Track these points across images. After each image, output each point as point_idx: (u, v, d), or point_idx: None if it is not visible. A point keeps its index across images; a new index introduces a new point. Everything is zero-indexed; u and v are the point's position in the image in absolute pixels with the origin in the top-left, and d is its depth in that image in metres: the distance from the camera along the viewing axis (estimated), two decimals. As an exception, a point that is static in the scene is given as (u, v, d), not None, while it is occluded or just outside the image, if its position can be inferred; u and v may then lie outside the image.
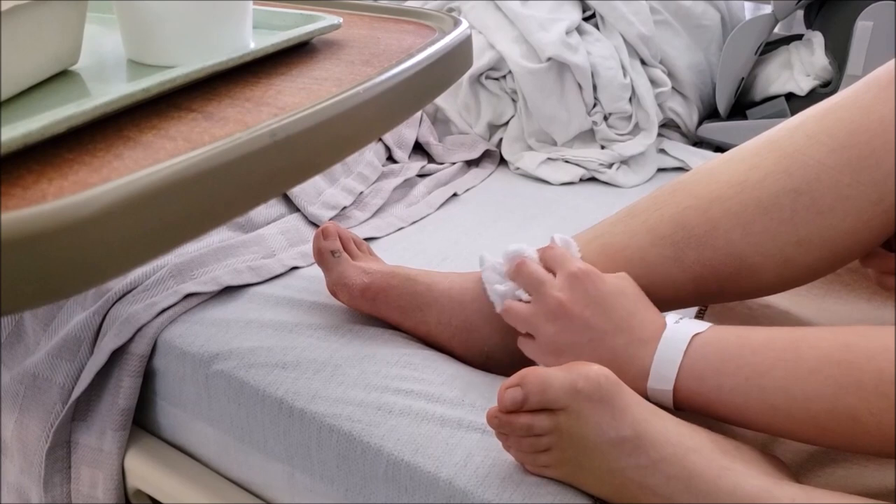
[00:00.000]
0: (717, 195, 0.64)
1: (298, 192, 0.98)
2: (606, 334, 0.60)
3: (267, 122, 0.43)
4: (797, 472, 0.59)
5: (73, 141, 0.42)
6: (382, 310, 0.74)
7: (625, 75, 1.20)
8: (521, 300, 0.65)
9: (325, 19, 0.63)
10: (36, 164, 0.39)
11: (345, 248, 0.77)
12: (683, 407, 0.59)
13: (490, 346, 0.71)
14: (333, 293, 0.77)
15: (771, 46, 1.32)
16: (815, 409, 0.53)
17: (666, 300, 0.68)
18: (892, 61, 0.62)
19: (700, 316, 0.75)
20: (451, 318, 0.72)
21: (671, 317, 0.61)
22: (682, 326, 0.59)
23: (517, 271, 0.65)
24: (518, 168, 1.20)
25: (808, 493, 0.51)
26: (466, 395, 0.66)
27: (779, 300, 0.75)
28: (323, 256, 0.76)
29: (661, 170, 1.22)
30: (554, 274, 0.64)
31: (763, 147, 0.65)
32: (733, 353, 0.57)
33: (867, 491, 0.57)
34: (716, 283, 0.65)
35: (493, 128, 1.25)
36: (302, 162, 0.46)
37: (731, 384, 0.56)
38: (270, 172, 0.43)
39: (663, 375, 0.58)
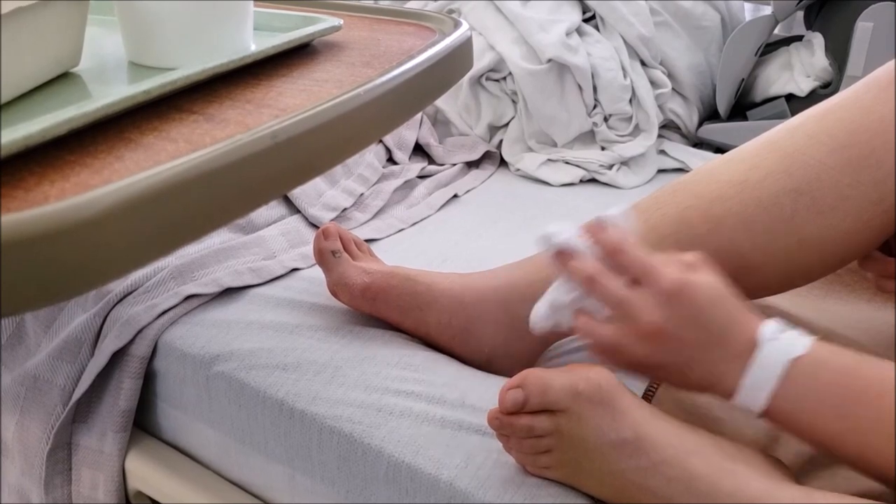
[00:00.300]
0: (718, 195, 0.64)
1: (299, 193, 0.98)
2: (701, 351, 0.54)
3: (268, 124, 0.43)
4: (798, 473, 0.59)
5: (75, 143, 0.42)
6: (382, 310, 0.74)
7: (625, 76, 1.20)
8: (592, 315, 0.57)
9: (326, 21, 0.63)
10: (37, 166, 0.39)
11: (345, 249, 0.77)
12: (771, 423, 0.55)
13: (491, 347, 0.71)
14: (334, 293, 0.77)
15: (771, 47, 1.32)
16: None
17: None
18: (892, 62, 0.62)
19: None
20: (451, 318, 0.72)
21: (769, 327, 0.54)
22: (779, 346, 0.53)
23: (591, 287, 0.56)
24: (518, 169, 1.20)
25: (808, 495, 0.51)
26: (467, 397, 0.66)
27: (779, 301, 0.75)
28: (324, 256, 0.76)
29: (661, 171, 1.22)
30: (633, 280, 0.56)
31: (763, 147, 0.65)
32: (834, 395, 0.52)
33: (869, 493, 0.57)
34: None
35: (494, 129, 1.25)
36: (303, 163, 0.46)
37: (826, 428, 0.52)
38: (271, 174, 0.43)
39: (752, 401, 0.53)
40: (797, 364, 0.52)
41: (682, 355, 0.54)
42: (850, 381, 0.52)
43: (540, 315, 0.58)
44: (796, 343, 0.53)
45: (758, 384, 0.53)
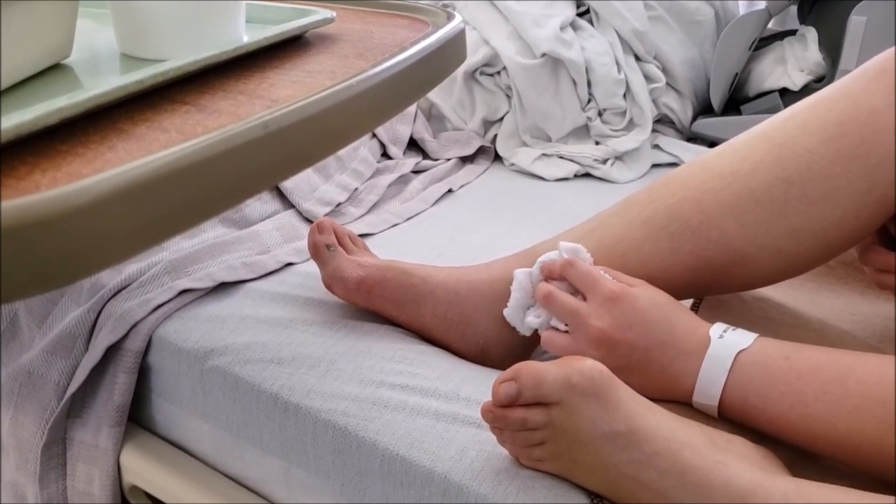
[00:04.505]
0: (710, 186, 0.64)
1: (293, 188, 0.98)
2: (651, 351, 0.60)
3: (259, 115, 0.43)
4: (790, 464, 0.59)
5: (67, 133, 0.42)
6: (378, 303, 0.74)
7: (619, 71, 1.20)
8: (557, 329, 0.64)
9: (319, 13, 0.63)
10: (29, 156, 0.39)
11: (339, 244, 0.77)
12: (728, 418, 0.60)
13: (485, 340, 0.71)
14: (329, 287, 0.77)
15: (765, 42, 1.32)
16: (858, 442, 0.53)
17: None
18: (882, 54, 0.62)
19: (695, 308, 0.75)
20: (446, 311, 0.72)
21: (716, 329, 0.60)
22: (726, 342, 0.59)
23: (548, 304, 0.64)
24: (513, 164, 1.20)
25: (799, 487, 0.51)
26: (461, 390, 0.66)
27: (773, 293, 0.76)
28: (318, 250, 0.76)
29: (655, 165, 1.23)
30: (583, 296, 0.63)
31: (755, 139, 0.65)
32: (779, 377, 0.56)
33: (859, 484, 0.57)
34: (709, 275, 0.65)
35: (488, 124, 1.25)
36: (295, 154, 0.46)
37: (775, 409, 0.56)
38: (263, 164, 0.43)
39: (708, 393, 0.59)
40: (744, 355, 0.58)
41: (632, 357, 0.60)
42: (791, 363, 0.57)
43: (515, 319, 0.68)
44: (741, 338, 0.59)
45: (711, 377, 0.58)
